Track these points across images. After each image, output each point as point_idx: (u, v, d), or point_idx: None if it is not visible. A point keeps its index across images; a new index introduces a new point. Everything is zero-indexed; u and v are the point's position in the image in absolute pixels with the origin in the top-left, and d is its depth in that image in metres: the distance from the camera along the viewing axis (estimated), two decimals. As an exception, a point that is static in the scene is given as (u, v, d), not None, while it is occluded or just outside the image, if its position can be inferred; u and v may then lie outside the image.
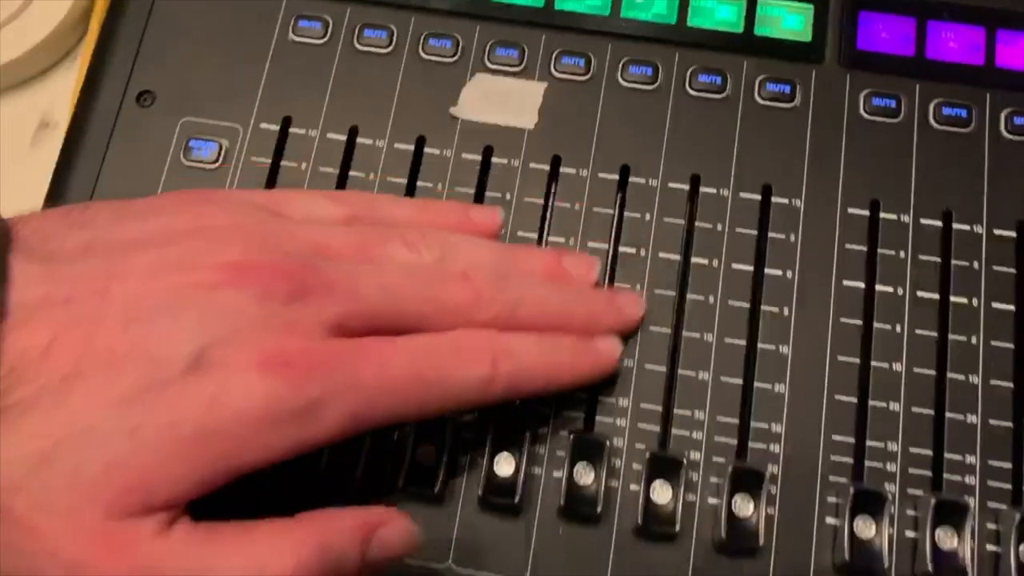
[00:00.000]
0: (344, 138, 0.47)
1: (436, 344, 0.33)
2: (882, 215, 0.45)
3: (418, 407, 0.33)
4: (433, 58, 0.48)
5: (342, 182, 0.46)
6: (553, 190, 0.46)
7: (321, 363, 0.29)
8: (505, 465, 0.40)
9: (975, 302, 0.43)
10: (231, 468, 0.28)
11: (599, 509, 0.40)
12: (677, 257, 0.45)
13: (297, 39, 0.49)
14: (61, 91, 0.59)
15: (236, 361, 0.28)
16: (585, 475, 0.41)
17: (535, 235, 0.45)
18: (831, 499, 0.41)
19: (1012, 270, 0.44)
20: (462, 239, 0.39)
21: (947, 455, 0.41)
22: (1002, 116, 0.46)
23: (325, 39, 0.49)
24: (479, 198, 0.46)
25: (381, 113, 0.47)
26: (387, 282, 0.33)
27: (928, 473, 0.41)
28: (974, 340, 0.43)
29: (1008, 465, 0.41)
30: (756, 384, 0.43)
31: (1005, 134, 0.46)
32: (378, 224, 0.38)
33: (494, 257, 0.38)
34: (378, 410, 0.31)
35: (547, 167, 0.46)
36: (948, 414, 0.42)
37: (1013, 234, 0.44)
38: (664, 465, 0.40)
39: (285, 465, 0.30)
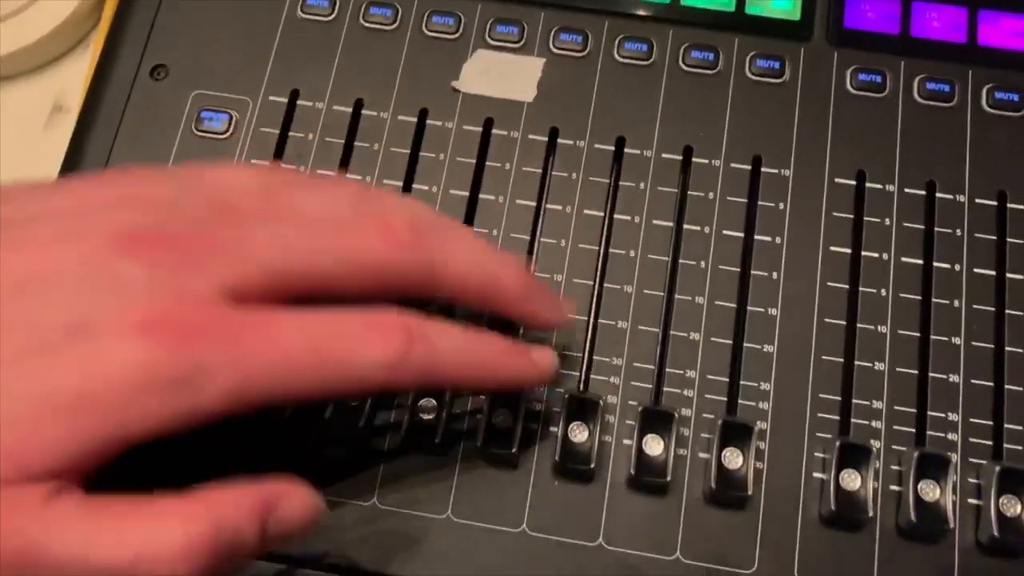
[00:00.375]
0: (350, 110, 0.48)
1: (342, 318, 0.30)
2: (868, 185, 0.47)
3: (314, 386, 0.29)
4: (436, 35, 0.50)
5: (347, 152, 0.48)
6: (551, 160, 0.48)
7: (203, 329, 0.27)
8: (504, 419, 0.42)
9: (957, 267, 0.45)
10: (112, 437, 0.27)
11: (592, 465, 0.42)
12: (670, 224, 0.46)
13: (305, 16, 0.50)
14: (75, 76, 0.60)
15: (116, 326, 0.27)
16: (579, 433, 0.42)
17: (533, 203, 0.47)
18: (818, 454, 0.42)
19: (992, 237, 0.45)
20: (388, 191, 0.36)
21: (930, 413, 0.43)
22: (984, 91, 0.48)
23: (332, 16, 0.50)
24: (479, 168, 0.47)
25: (386, 87, 0.49)
26: (287, 239, 0.30)
27: (912, 430, 0.43)
28: (956, 303, 0.44)
29: (989, 423, 0.43)
30: (746, 344, 0.44)
31: (986, 108, 0.48)
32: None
33: (422, 208, 0.35)
34: (267, 385, 0.28)
35: (545, 138, 0.48)
36: (931, 374, 0.43)
37: (994, 203, 0.46)
38: (656, 419, 0.42)
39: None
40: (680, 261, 0.46)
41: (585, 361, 0.44)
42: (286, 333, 0.29)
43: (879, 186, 0.47)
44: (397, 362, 0.30)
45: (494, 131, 0.48)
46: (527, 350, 0.36)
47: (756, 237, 0.46)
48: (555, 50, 0.50)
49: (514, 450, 0.41)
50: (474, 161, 0.47)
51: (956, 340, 0.44)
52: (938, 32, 0.49)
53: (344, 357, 0.30)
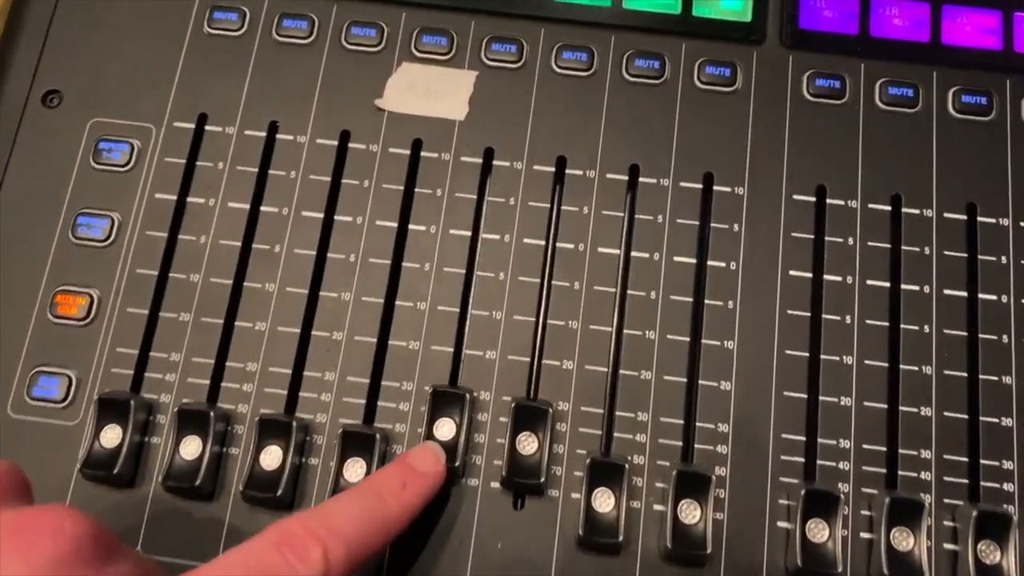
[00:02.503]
0: (263, 135, 0.44)
1: (255, 552, 0.31)
2: (828, 201, 0.43)
3: None
4: (357, 47, 0.46)
5: (261, 181, 0.43)
6: (486, 185, 0.44)
7: None
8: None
9: (927, 289, 0.42)
10: None
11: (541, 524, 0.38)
12: (617, 252, 0.42)
13: (212, 31, 0.46)
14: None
15: None
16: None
17: (468, 232, 0.43)
18: (782, 501, 0.39)
19: (963, 254, 0.42)
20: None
21: (901, 450, 0.40)
22: (949, 95, 0.45)
23: (242, 30, 0.46)
24: (408, 195, 0.43)
25: (302, 107, 0.45)
26: None
27: (882, 470, 0.40)
28: (926, 329, 0.41)
29: (964, 459, 0.40)
30: (701, 382, 0.41)
31: (952, 113, 0.44)
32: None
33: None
34: None
35: (479, 160, 0.44)
36: (902, 407, 0.40)
37: (963, 217, 0.43)
38: (605, 471, 0.38)
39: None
40: (629, 292, 0.42)
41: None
42: None
43: (840, 202, 0.43)
44: (324, 571, 0.31)
45: (423, 153, 0.44)
46: (411, 466, 0.37)
47: (709, 263, 0.42)
48: (488, 61, 0.45)
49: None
50: (402, 188, 0.43)
51: (927, 369, 0.41)
52: (900, 31, 0.46)
53: None
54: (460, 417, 0.39)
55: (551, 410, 0.39)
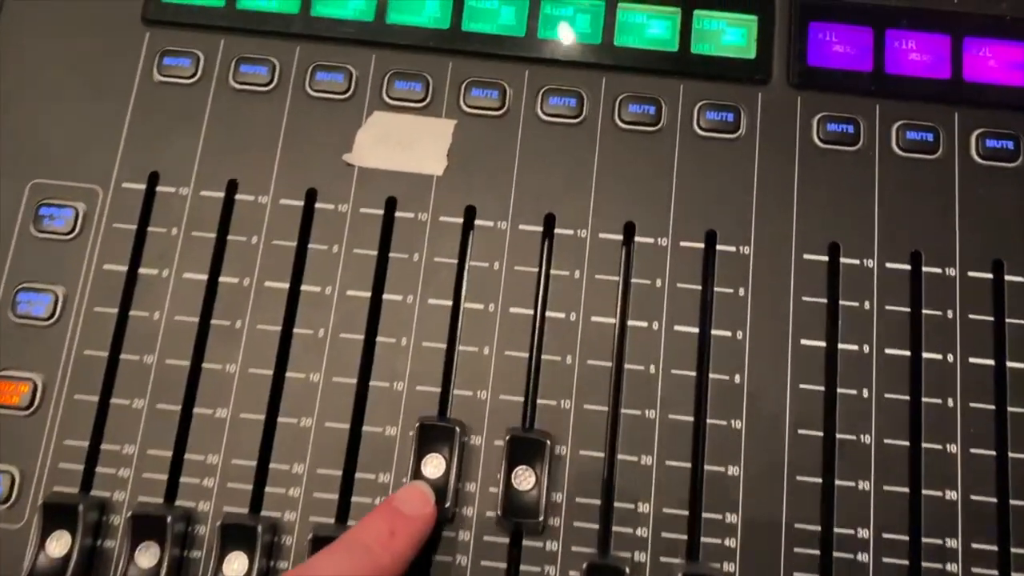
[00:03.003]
0: (221, 195, 0.40)
1: None
2: (843, 260, 0.39)
3: None
4: (323, 95, 0.41)
5: (220, 249, 0.39)
6: (468, 247, 0.40)
7: None
8: None
9: (951, 358, 0.38)
10: None
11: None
12: (612, 321, 0.39)
13: (163, 79, 0.42)
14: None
15: None
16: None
17: (448, 302, 0.39)
18: (797, 598, 0.36)
19: (990, 318, 0.39)
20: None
21: (924, 539, 0.36)
22: (973, 138, 0.41)
23: (196, 78, 0.42)
24: (382, 261, 0.39)
25: (264, 163, 0.40)
26: None
27: (904, 561, 0.36)
28: (951, 403, 0.38)
29: (994, 547, 0.36)
30: (706, 467, 0.37)
31: (976, 159, 0.41)
32: None
33: None
34: None
35: (460, 220, 0.40)
36: (924, 491, 0.37)
37: (989, 276, 0.39)
38: (603, 574, 0.35)
39: None
40: (626, 367, 0.38)
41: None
42: None
43: (856, 261, 0.39)
44: None
45: (398, 214, 0.40)
46: (398, 510, 0.34)
47: (713, 332, 0.39)
48: (467, 108, 0.41)
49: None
50: (375, 253, 0.39)
51: (952, 448, 0.37)
52: (917, 67, 0.42)
53: None
54: (450, 453, 0.36)
55: (541, 522, 0.36)
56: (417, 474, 0.36)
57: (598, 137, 0.41)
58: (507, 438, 0.36)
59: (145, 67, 0.42)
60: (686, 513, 0.37)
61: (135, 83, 0.42)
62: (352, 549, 0.33)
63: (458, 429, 0.36)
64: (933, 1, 0.43)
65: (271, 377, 0.38)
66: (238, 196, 0.40)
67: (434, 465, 0.36)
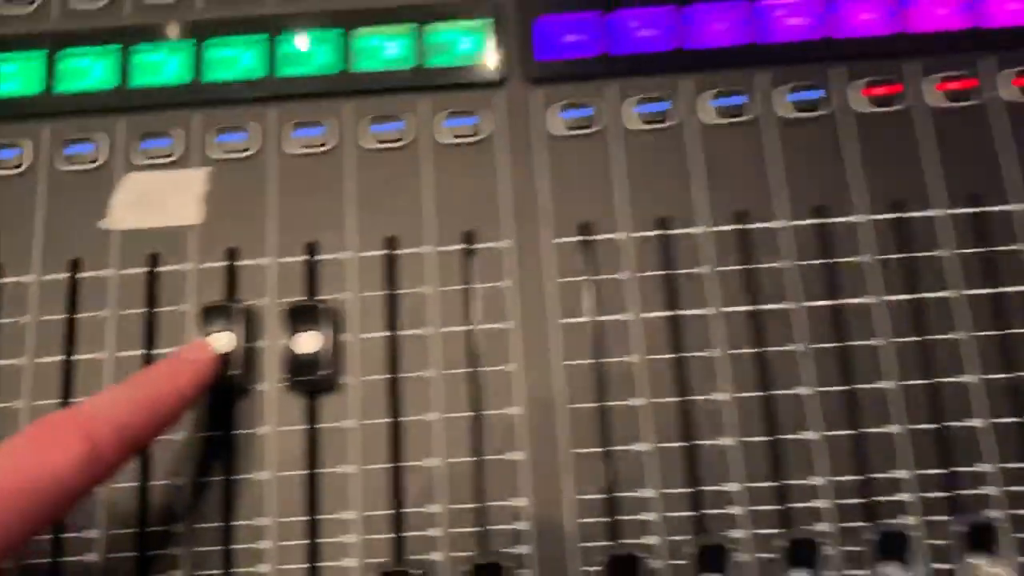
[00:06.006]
0: (-16, 281, 0.40)
1: (12, 447, 0.30)
2: (596, 237, 0.41)
3: (19, 521, 0.29)
4: (74, 168, 0.42)
5: (-12, 334, 0.40)
6: (235, 287, 0.40)
7: None
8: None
9: (712, 311, 0.40)
10: None
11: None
12: (388, 334, 0.40)
13: (-87, 178, 0.42)
14: None
15: None
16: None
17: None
18: None
19: (740, 267, 0.40)
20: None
21: (705, 487, 0.38)
22: (703, 101, 0.43)
23: (-54, 171, 0.42)
24: (150, 317, 0.40)
25: (22, 243, 0.41)
26: None
27: (689, 512, 0.37)
28: (717, 352, 0.39)
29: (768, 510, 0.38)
30: (489, 504, 0.38)
31: (704, 120, 0.42)
32: None
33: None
34: None
35: (224, 263, 0.41)
36: (699, 441, 0.38)
37: (734, 227, 0.41)
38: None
39: None
40: (400, 375, 0.39)
41: None
42: None
43: (610, 236, 0.41)
44: (91, 455, 0.31)
45: (161, 268, 0.41)
46: (178, 355, 0.37)
47: (482, 326, 0.40)
48: (217, 155, 0.42)
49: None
50: (144, 310, 0.40)
51: (723, 396, 0.39)
52: (646, 44, 0.43)
53: (32, 481, 0.30)
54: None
55: None
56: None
57: (343, 159, 0.42)
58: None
59: None
60: (475, 505, 0.38)
61: None
62: (133, 380, 0.35)
63: None
64: (652, -20, 0.45)
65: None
66: (3, 280, 0.41)
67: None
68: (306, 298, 0.40)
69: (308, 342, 0.39)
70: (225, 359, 0.38)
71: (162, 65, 0.43)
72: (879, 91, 0.42)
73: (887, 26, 0.43)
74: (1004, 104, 0.42)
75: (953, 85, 0.42)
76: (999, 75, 0.43)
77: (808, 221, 0.41)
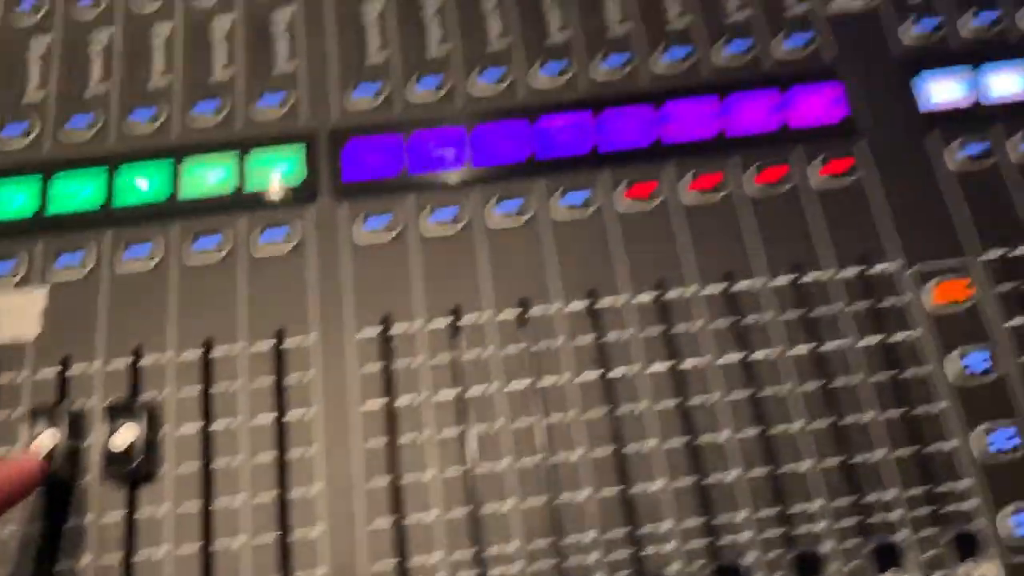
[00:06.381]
0: None
1: None
2: (393, 330, 0.46)
3: None
4: (-80, 292, 0.47)
5: None
6: (67, 391, 0.45)
7: None
8: None
9: (493, 388, 0.45)
10: None
11: None
12: (198, 424, 0.44)
13: None
14: None
15: None
16: None
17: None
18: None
19: (519, 348, 0.45)
20: None
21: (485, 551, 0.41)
22: (489, 209, 0.49)
23: None
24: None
25: None
26: None
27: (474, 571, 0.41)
28: (501, 424, 0.44)
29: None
30: (292, 536, 0.42)
31: (490, 226, 0.48)
32: None
33: None
34: None
35: (57, 369, 0.45)
36: (484, 508, 0.42)
37: (516, 311, 0.46)
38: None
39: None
40: (215, 464, 0.43)
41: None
42: None
43: (406, 325, 0.46)
44: None
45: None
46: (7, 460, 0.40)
47: (286, 419, 0.44)
48: (56, 277, 0.47)
49: None
50: (-17, 417, 0.44)
51: (501, 465, 0.43)
52: (437, 163, 0.50)
53: None
54: None
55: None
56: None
57: (169, 275, 0.47)
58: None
59: None
60: (277, 577, 0.41)
61: None
62: None
63: None
64: (447, 110, 0.51)
65: None
66: None
67: None
68: (125, 397, 0.44)
69: (123, 436, 0.43)
70: (49, 456, 0.42)
71: (10, 200, 0.49)
72: (640, 192, 0.49)
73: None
74: (748, 199, 0.49)
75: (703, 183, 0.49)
76: (745, 175, 0.49)
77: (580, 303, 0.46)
